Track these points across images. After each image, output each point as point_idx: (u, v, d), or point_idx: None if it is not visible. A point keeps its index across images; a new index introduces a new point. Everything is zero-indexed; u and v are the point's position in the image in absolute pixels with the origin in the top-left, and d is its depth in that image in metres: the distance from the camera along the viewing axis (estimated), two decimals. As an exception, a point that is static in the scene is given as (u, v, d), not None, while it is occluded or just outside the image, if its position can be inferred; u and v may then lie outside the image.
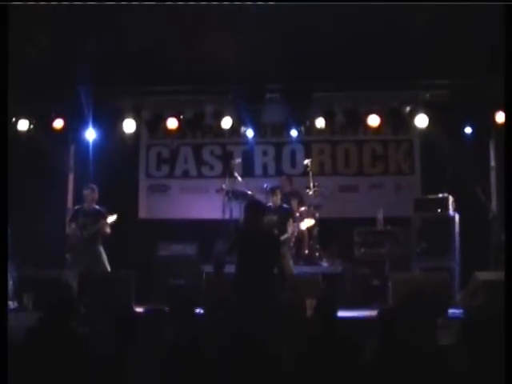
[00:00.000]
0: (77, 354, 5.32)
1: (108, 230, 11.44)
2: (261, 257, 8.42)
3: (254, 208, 8.93)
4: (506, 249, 6.28)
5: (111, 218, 11.39)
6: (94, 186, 11.73)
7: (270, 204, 11.28)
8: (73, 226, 11.57)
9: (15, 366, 5.23)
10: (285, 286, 8.73)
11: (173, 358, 5.20)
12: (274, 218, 11.09)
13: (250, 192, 12.51)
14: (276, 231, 10.43)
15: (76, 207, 11.91)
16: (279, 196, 11.53)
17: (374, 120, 13.02)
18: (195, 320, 6.39)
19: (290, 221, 11.38)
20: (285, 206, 11.60)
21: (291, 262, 11.27)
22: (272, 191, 11.51)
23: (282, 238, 10.68)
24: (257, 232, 8.64)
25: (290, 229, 11.27)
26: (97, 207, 11.62)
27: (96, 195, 11.63)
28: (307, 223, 12.33)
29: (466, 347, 5.09)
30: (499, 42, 7.55)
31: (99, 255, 11.46)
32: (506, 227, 7.40)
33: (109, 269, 11.51)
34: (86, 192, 11.65)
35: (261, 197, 11.85)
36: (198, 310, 10.50)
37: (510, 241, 6.75)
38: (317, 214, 12.74)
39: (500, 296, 6.09)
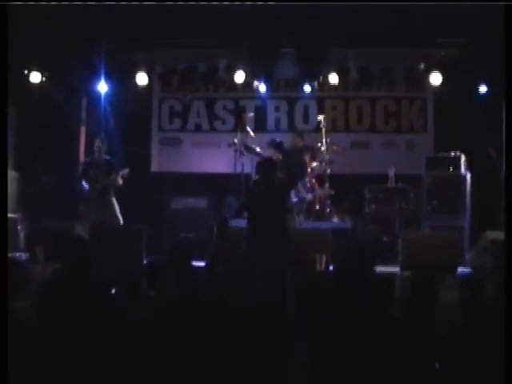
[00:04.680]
0: (91, 306, 5.38)
1: (120, 182, 11.49)
2: (270, 217, 8.46)
3: (265, 168, 8.96)
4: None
5: (123, 172, 11.44)
6: (100, 137, 11.77)
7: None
8: (84, 178, 11.63)
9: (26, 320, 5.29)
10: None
11: (170, 309, 5.23)
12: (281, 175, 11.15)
13: (259, 150, 12.49)
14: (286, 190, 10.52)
15: (86, 159, 11.95)
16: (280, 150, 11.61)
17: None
18: (194, 271, 6.43)
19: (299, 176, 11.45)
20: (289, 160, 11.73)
21: (295, 218, 11.27)
22: (274, 147, 11.61)
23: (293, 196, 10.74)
24: (266, 192, 8.69)
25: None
26: (107, 158, 11.67)
27: (103, 146, 11.67)
28: (326, 192, 12.38)
29: (471, 306, 5.14)
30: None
31: (112, 207, 11.54)
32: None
33: (121, 221, 11.60)
34: (96, 142, 11.69)
35: (270, 151, 11.93)
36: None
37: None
38: (328, 170, 12.74)
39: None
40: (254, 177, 9.32)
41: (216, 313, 5.15)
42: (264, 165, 9.13)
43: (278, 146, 11.82)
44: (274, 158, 11.44)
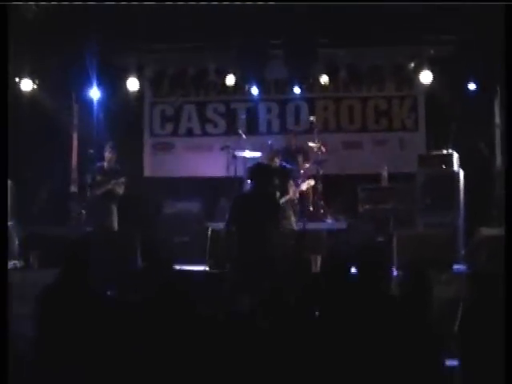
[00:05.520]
0: (92, 310, 5.39)
1: (119, 189, 11.56)
2: (258, 221, 8.44)
3: (258, 173, 8.95)
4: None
5: (118, 180, 11.49)
6: (113, 145, 11.81)
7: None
8: (90, 184, 11.74)
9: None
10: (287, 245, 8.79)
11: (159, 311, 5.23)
12: (276, 180, 11.12)
13: (250, 152, 12.50)
14: (278, 193, 10.49)
15: (98, 164, 11.96)
16: (278, 158, 11.57)
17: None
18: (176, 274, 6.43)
19: (291, 181, 11.43)
20: (284, 165, 11.66)
21: (293, 220, 11.28)
22: (270, 157, 11.58)
23: (283, 200, 10.73)
24: (255, 196, 8.68)
25: (290, 190, 11.30)
26: (117, 166, 11.74)
27: (115, 154, 11.73)
28: (307, 184, 12.34)
29: (469, 301, 5.15)
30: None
31: (110, 213, 11.59)
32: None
33: (116, 227, 11.64)
34: (106, 152, 11.76)
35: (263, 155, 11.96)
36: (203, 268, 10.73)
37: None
38: (321, 171, 12.74)
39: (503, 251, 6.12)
40: (246, 182, 9.27)
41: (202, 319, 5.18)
42: (257, 170, 9.09)
43: (273, 156, 11.76)
44: (272, 164, 11.45)
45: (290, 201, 11.40)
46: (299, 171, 12.37)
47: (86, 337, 5.13)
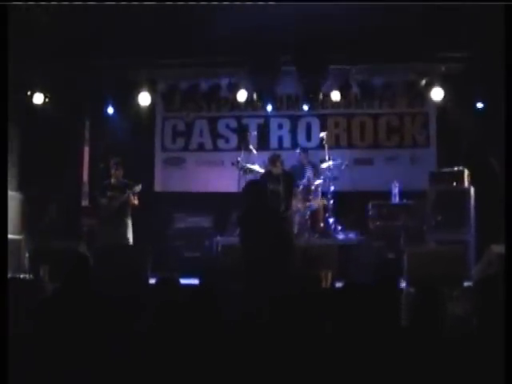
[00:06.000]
0: (92, 323, 5.38)
1: (135, 200, 11.64)
2: (262, 236, 8.43)
3: (253, 191, 8.93)
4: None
5: (137, 188, 11.55)
6: (119, 161, 11.84)
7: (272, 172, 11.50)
8: (103, 200, 11.75)
9: (31, 338, 5.30)
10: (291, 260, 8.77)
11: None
12: (279, 187, 11.12)
13: (259, 168, 12.53)
14: (282, 206, 10.49)
15: (105, 182, 11.99)
16: (279, 164, 11.60)
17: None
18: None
19: (295, 190, 11.44)
20: (287, 171, 11.71)
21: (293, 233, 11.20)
22: (271, 161, 11.61)
23: (284, 214, 10.66)
24: (257, 213, 8.66)
25: (293, 202, 11.29)
26: (125, 180, 11.78)
27: (121, 169, 11.78)
28: (318, 203, 12.37)
29: (477, 316, 5.13)
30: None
31: (125, 227, 11.63)
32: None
33: (131, 241, 11.67)
34: (112, 169, 11.79)
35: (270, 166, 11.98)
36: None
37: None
38: (332, 187, 12.76)
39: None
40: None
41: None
42: (252, 188, 9.06)
43: (276, 159, 11.78)
44: (274, 172, 11.49)
45: (297, 212, 11.42)
46: (310, 187, 12.39)
47: (85, 357, 5.12)
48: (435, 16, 11.08)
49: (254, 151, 12.95)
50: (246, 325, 5.35)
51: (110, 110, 13.60)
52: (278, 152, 12.43)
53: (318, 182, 12.70)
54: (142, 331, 5.30)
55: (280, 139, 14.47)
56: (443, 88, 12.78)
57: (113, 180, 11.84)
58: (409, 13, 11.07)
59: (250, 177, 12.43)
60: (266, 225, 8.54)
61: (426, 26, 11.27)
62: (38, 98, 12.87)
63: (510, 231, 6.94)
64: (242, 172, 12.56)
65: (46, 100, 12.97)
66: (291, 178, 11.59)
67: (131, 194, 11.61)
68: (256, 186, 9.14)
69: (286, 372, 4.92)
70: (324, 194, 12.71)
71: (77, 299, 5.67)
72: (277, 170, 11.57)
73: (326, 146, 12.94)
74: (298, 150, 13.28)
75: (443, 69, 12.91)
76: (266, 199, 8.87)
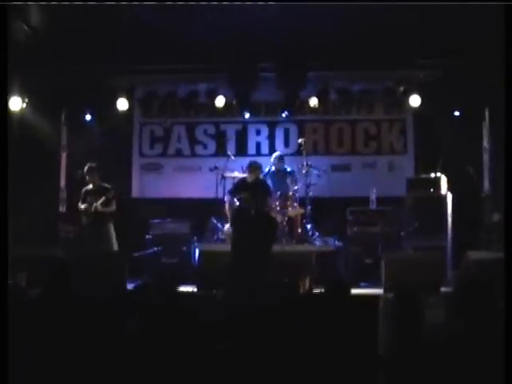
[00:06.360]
0: (72, 332, 5.36)
1: (111, 205, 11.61)
2: (252, 242, 8.47)
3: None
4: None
5: (108, 194, 11.49)
6: (92, 166, 11.78)
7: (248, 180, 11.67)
8: (82, 206, 11.69)
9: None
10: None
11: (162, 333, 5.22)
12: (248, 194, 11.20)
13: (238, 174, 12.56)
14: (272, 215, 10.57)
15: (84, 189, 11.92)
16: (256, 172, 11.66)
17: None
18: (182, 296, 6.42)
19: (268, 199, 11.51)
20: (262, 179, 11.83)
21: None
22: (251, 170, 11.68)
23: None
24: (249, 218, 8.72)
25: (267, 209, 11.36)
26: (104, 185, 11.73)
27: (96, 174, 11.72)
28: (295, 212, 12.41)
29: (455, 322, 5.14)
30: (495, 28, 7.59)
31: (106, 235, 11.57)
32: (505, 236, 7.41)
33: (115, 248, 11.60)
34: (87, 175, 11.73)
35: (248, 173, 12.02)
36: (191, 289, 10.67)
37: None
38: (310, 193, 12.77)
39: (491, 274, 6.13)
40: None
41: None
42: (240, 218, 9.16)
43: (255, 167, 11.84)
44: (250, 179, 11.54)
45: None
46: (288, 194, 12.41)
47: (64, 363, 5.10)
48: (413, 24, 11.12)
49: (232, 157, 12.96)
50: (224, 330, 5.34)
51: (88, 116, 13.58)
52: (257, 160, 12.40)
53: (295, 187, 12.70)
54: (121, 335, 5.28)
55: (258, 145, 14.47)
56: (420, 95, 12.85)
57: (91, 186, 11.78)
58: (387, 21, 11.11)
59: (228, 182, 12.47)
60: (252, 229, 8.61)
61: (403, 33, 11.31)
62: (15, 104, 12.80)
63: (510, 231, 6.96)
64: (220, 178, 12.57)
65: (23, 105, 12.90)
66: (266, 186, 11.67)
67: (105, 200, 11.53)
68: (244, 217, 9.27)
69: (265, 377, 4.93)
70: (302, 200, 12.71)
71: (57, 305, 5.64)
72: (252, 178, 11.62)
73: (304, 152, 12.96)
74: (275, 156, 13.28)
75: (421, 76, 12.98)
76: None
